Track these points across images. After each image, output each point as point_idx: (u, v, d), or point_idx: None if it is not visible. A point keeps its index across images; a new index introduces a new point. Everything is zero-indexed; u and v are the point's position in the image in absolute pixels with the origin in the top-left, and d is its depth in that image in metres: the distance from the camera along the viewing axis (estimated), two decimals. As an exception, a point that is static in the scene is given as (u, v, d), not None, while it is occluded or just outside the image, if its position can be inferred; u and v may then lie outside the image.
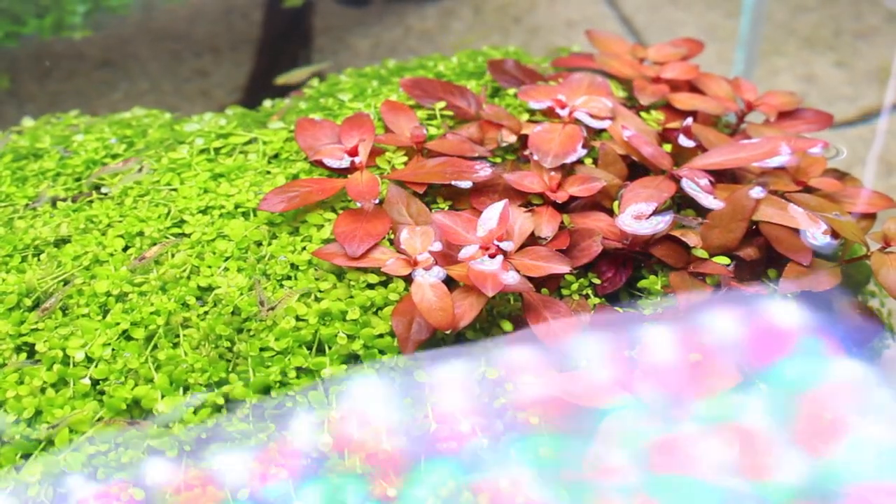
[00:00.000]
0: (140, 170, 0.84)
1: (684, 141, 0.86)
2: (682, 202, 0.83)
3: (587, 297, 0.76)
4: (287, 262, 0.76)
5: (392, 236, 0.77)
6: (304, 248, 0.77)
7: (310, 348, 0.71)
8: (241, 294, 0.74)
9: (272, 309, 0.72)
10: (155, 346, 0.72)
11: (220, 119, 0.96)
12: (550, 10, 1.77)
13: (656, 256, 0.78)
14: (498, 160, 0.86)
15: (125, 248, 0.79)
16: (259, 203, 0.79)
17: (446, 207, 0.80)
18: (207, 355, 0.71)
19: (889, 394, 0.75)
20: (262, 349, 0.71)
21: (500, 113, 0.87)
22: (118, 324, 0.73)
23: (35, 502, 0.66)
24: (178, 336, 0.73)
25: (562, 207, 0.80)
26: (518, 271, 0.72)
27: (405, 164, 0.83)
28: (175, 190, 0.84)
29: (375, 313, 0.73)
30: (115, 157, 0.90)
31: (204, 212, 0.81)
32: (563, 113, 0.87)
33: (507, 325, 0.73)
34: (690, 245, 0.77)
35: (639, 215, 0.77)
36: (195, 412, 0.69)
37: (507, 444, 0.69)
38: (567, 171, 0.83)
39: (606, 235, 0.77)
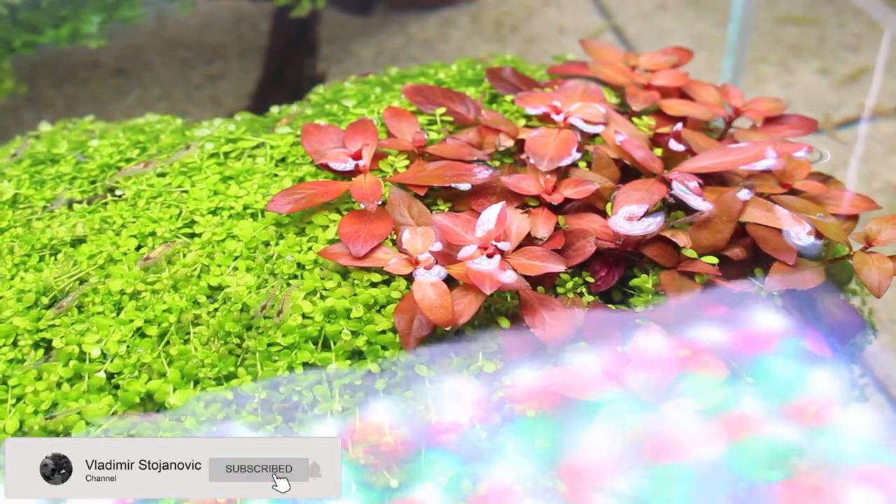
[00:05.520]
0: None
1: (674, 145, 0.87)
2: (672, 204, 0.83)
3: (581, 294, 0.77)
4: (294, 261, 0.77)
5: (394, 237, 0.77)
6: (310, 248, 0.78)
7: (315, 344, 0.72)
8: (250, 292, 0.75)
9: (277, 311, 0.74)
10: (167, 343, 0.73)
11: (229, 124, 0.96)
12: (545, 19, 1.79)
13: (648, 256, 0.78)
14: (496, 164, 0.86)
15: (138, 248, 0.80)
16: (267, 204, 0.80)
17: (446, 209, 0.81)
18: (217, 351, 0.72)
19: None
20: (269, 345, 0.72)
21: (497, 118, 0.88)
22: (132, 321, 0.74)
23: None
24: (188, 333, 0.74)
25: (557, 209, 0.81)
26: (515, 270, 0.73)
27: (407, 167, 0.84)
28: (186, 192, 0.84)
29: (378, 311, 0.74)
30: (128, 161, 0.90)
31: (214, 213, 0.82)
32: (559, 118, 0.88)
33: (505, 322, 0.74)
34: (680, 245, 0.78)
35: (631, 216, 0.78)
36: (206, 405, 0.70)
37: (504, 436, 0.70)
38: (562, 174, 0.83)
39: (600, 236, 0.78)
